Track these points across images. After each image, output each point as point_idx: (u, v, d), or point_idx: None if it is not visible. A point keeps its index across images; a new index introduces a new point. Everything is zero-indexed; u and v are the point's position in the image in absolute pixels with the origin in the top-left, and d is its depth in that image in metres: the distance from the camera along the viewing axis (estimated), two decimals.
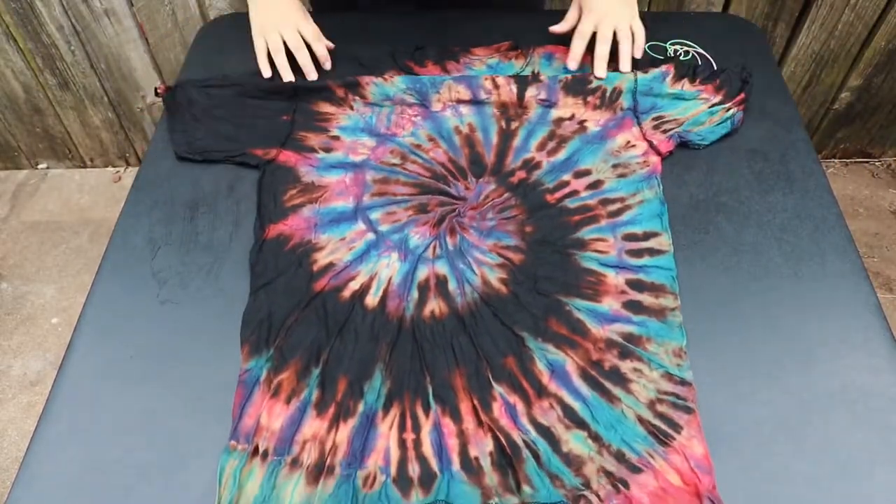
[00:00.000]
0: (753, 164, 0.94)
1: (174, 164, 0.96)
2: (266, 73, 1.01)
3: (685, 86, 1.00)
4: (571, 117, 0.98)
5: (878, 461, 0.68)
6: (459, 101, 1.00)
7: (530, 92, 1.00)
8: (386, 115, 0.99)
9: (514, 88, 1.00)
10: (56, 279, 1.48)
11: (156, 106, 1.60)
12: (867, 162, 1.70)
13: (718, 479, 0.66)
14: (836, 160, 1.71)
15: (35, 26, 1.41)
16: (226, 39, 1.14)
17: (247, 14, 1.07)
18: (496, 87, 1.00)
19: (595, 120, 0.97)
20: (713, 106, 0.98)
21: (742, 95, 0.98)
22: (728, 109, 0.97)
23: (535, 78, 1.00)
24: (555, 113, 0.99)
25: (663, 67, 1.01)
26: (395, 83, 1.01)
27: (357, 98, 1.00)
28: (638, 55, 1.01)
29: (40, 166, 1.75)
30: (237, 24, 1.09)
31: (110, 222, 1.47)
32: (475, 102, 1.00)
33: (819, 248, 0.84)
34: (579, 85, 1.00)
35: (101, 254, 0.88)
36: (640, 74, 1.00)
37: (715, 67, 1.04)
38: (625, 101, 0.98)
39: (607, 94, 0.99)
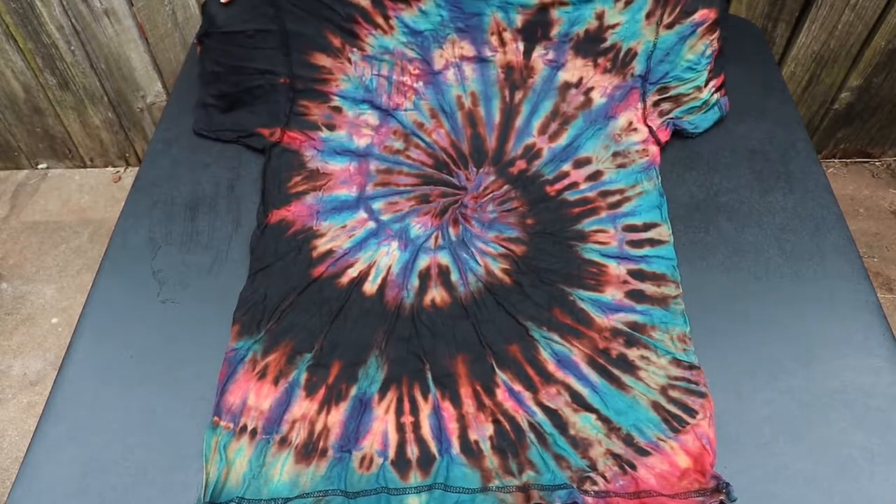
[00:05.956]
0: (753, 164, 0.94)
1: (174, 164, 0.96)
2: None
3: (707, 49, 0.94)
4: (579, 83, 0.94)
5: (878, 461, 0.68)
6: (463, 58, 0.95)
7: (538, 51, 0.94)
8: (386, 75, 0.94)
9: (520, 47, 0.94)
10: (56, 279, 1.48)
11: (155, 106, 1.60)
12: (867, 162, 1.70)
13: None
14: (836, 160, 1.71)
15: (35, 26, 1.40)
16: None
17: None
18: (502, 43, 0.94)
19: (602, 87, 0.94)
20: (705, 87, 0.96)
21: (722, 78, 0.96)
22: (713, 95, 0.96)
23: (545, 35, 0.94)
24: (562, 76, 0.94)
25: (697, 16, 0.92)
26: (395, 35, 0.95)
27: (355, 50, 0.95)
28: None
29: (40, 166, 1.75)
30: None
31: (110, 222, 1.47)
32: (479, 60, 0.94)
33: (819, 248, 0.84)
34: (591, 44, 0.94)
35: (101, 254, 0.88)
36: (663, 31, 0.93)
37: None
38: (637, 66, 0.94)
39: (620, 56, 0.94)
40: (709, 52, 0.95)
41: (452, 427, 0.70)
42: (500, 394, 0.72)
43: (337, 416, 0.71)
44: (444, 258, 0.83)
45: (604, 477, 0.66)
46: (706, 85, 0.96)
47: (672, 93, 0.95)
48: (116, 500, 0.67)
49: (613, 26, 0.93)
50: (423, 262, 0.83)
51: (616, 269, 0.81)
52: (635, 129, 0.93)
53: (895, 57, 1.43)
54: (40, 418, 0.72)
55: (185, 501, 0.66)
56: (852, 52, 1.43)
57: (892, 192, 1.64)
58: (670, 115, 0.94)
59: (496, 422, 0.70)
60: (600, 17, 0.93)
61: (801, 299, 0.80)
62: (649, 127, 0.93)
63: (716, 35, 0.94)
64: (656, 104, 0.94)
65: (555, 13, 0.93)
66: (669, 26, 0.93)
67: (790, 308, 0.79)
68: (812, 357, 0.75)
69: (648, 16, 0.93)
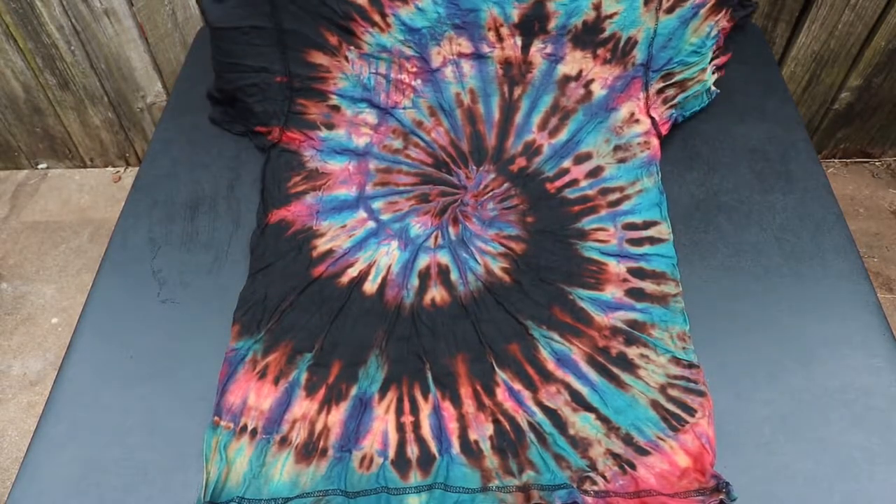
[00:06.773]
0: (753, 164, 0.94)
1: (174, 164, 0.96)
2: None
3: (713, 30, 0.92)
4: (578, 75, 0.92)
5: (878, 461, 0.68)
6: (461, 55, 0.93)
7: (536, 46, 0.93)
8: (384, 73, 0.93)
9: (518, 42, 0.93)
10: (56, 279, 1.48)
11: (155, 106, 1.60)
12: (867, 162, 1.70)
13: None
14: (836, 160, 1.71)
15: (35, 26, 1.40)
16: None
17: None
18: (500, 39, 0.93)
19: (603, 79, 0.92)
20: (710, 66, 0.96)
21: (728, 56, 0.96)
22: (714, 74, 0.95)
23: (542, 28, 0.93)
24: (561, 69, 0.93)
25: None
26: (393, 33, 0.93)
27: (352, 48, 0.93)
28: None
29: (40, 166, 1.75)
30: None
31: (110, 222, 1.47)
32: (477, 57, 0.93)
33: (819, 248, 0.84)
34: (589, 35, 0.92)
35: (101, 254, 0.88)
36: (663, 16, 0.91)
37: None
38: (638, 55, 0.92)
39: (620, 45, 0.92)
40: (714, 32, 0.92)
41: (452, 427, 0.70)
42: (500, 393, 0.72)
43: (337, 416, 0.71)
44: (443, 257, 0.84)
45: (604, 477, 0.66)
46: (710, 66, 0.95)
47: (677, 78, 0.93)
48: (116, 500, 0.67)
49: (611, 16, 0.92)
50: (423, 261, 0.83)
51: (616, 267, 0.81)
52: (637, 121, 0.92)
53: (895, 57, 1.43)
54: (40, 418, 0.72)
55: (185, 501, 0.66)
56: (852, 52, 1.43)
57: (892, 192, 1.64)
58: (675, 101, 0.94)
59: (496, 422, 0.70)
60: (597, 7, 0.91)
61: (801, 299, 0.80)
62: (651, 118, 0.93)
63: (722, 14, 0.92)
64: (661, 91, 0.93)
65: (551, 6, 0.92)
66: (669, 11, 0.91)
67: (790, 308, 0.79)
68: (812, 357, 0.75)
69: (647, 2, 0.91)
